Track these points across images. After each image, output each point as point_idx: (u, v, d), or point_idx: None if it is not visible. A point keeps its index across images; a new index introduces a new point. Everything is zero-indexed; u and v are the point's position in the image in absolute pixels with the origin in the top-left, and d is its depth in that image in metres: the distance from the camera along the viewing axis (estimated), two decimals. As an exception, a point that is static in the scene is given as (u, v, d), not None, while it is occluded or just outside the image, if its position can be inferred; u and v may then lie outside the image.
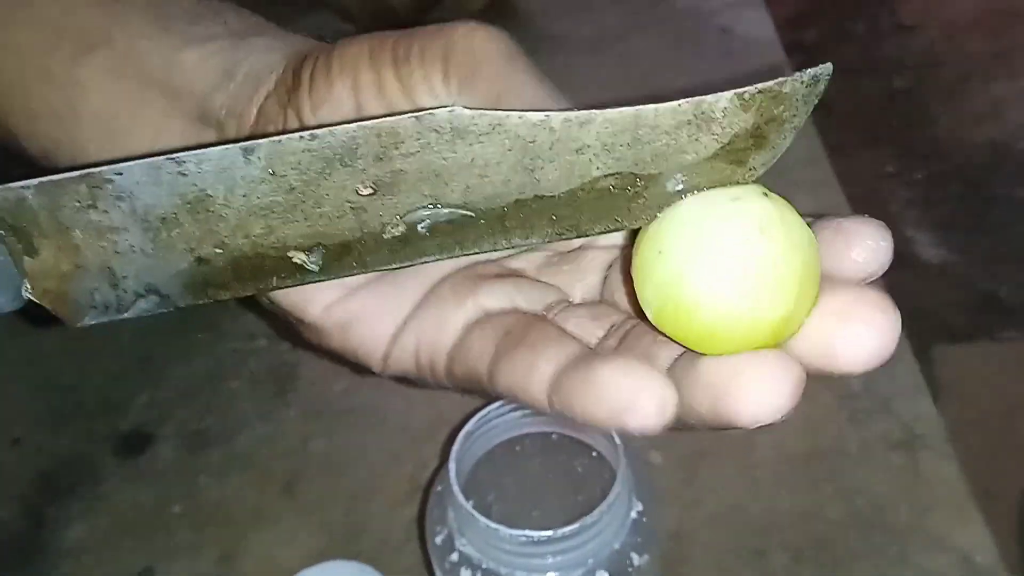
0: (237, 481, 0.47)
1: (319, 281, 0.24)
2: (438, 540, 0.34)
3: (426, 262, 0.24)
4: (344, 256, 0.23)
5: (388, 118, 0.21)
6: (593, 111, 0.20)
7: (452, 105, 0.21)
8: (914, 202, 1.22)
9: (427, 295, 0.27)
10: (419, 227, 0.23)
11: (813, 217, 0.23)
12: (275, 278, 0.24)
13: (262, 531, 0.45)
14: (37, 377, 0.53)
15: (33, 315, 0.24)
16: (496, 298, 0.26)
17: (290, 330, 0.29)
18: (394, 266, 0.24)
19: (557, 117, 0.21)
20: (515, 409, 0.36)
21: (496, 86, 0.24)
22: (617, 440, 0.34)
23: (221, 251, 0.23)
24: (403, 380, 0.29)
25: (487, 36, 0.25)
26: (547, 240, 0.23)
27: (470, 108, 0.21)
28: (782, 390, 0.19)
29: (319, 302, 0.28)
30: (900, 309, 0.59)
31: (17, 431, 0.50)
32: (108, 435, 0.49)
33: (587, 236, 0.23)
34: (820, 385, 0.48)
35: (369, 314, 0.27)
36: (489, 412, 0.36)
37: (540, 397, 0.23)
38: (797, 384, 0.19)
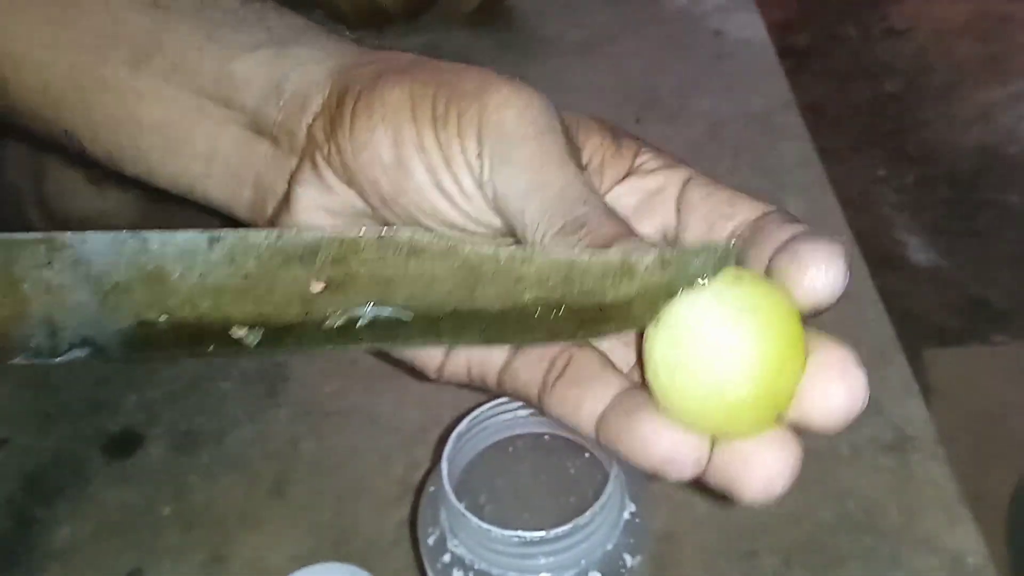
0: (227, 482, 0.47)
1: (251, 355, 0.25)
2: (430, 541, 0.34)
3: (358, 349, 0.26)
4: (283, 337, 0.25)
5: (352, 231, 0.23)
6: (536, 250, 0.23)
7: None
8: (904, 205, 1.23)
9: None
10: (358, 322, 0.24)
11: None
12: (212, 347, 0.25)
13: (252, 532, 0.44)
14: (25, 378, 0.53)
15: None
16: None
17: None
18: (327, 349, 0.25)
19: (505, 252, 0.23)
20: (508, 410, 0.36)
21: (525, 177, 0.26)
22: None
23: (166, 318, 0.24)
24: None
25: (519, 111, 0.26)
26: (473, 345, 0.26)
27: (427, 232, 0.23)
28: (784, 474, 0.23)
29: None
30: (891, 312, 0.59)
31: (4, 432, 0.50)
32: (96, 436, 0.49)
33: (509, 345, 0.26)
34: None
35: None
36: (481, 413, 0.35)
37: (589, 431, 0.25)
38: (797, 464, 0.23)
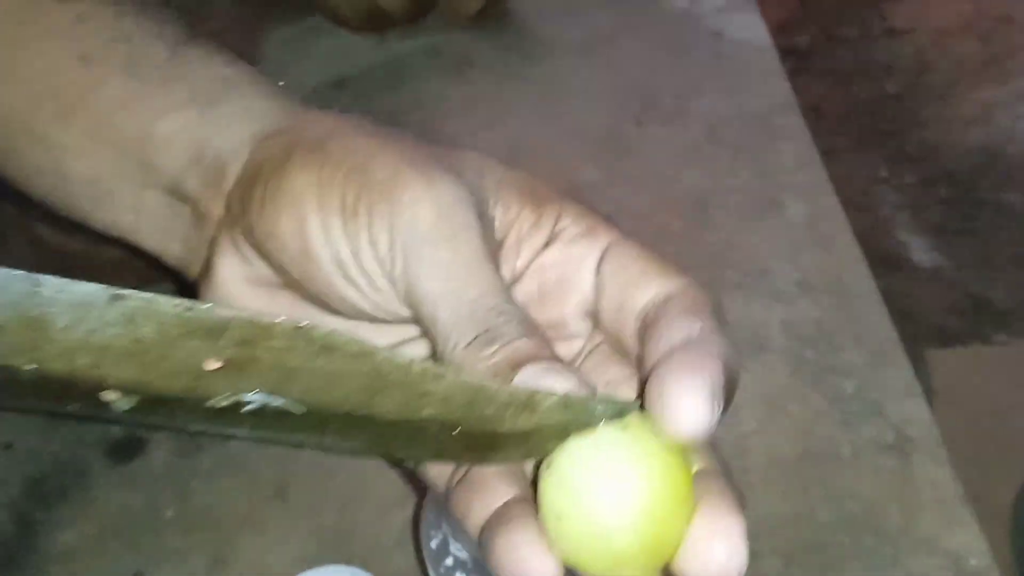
0: (229, 485, 0.47)
1: (111, 423, 0.24)
2: (433, 545, 0.34)
3: (232, 437, 0.25)
4: (156, 408, 0.22)
5: (267, 316, 0.21)
6: (449, 369, 0.23)
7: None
8: (905, 206, 1.23)
9: None
10: (244, 408, 0.23)
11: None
12: (72, 406, 0.23)
13: (253, 535, 0.44)
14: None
15: None
16: None
17: None
18: (197, 430, 0.24)
19: (418, 366, 0.22)
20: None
21: (438, 282, 0.25)
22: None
23: (32, 368, 0.21)
24: None
25: (434, 209, 0.25)
26: (354, 452, 0.24)
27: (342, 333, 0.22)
28: None
29: None
30: (892, 312, 0.58)
31: (8, 435, 0.50)
32: (99, 439, 0.49)
33: (394, 457, 0.25)
34: (811, 388, 0.48)
35: None
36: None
37: (475, 537, 0.25)
38: None
